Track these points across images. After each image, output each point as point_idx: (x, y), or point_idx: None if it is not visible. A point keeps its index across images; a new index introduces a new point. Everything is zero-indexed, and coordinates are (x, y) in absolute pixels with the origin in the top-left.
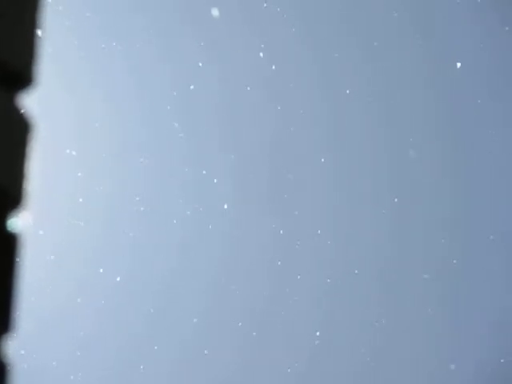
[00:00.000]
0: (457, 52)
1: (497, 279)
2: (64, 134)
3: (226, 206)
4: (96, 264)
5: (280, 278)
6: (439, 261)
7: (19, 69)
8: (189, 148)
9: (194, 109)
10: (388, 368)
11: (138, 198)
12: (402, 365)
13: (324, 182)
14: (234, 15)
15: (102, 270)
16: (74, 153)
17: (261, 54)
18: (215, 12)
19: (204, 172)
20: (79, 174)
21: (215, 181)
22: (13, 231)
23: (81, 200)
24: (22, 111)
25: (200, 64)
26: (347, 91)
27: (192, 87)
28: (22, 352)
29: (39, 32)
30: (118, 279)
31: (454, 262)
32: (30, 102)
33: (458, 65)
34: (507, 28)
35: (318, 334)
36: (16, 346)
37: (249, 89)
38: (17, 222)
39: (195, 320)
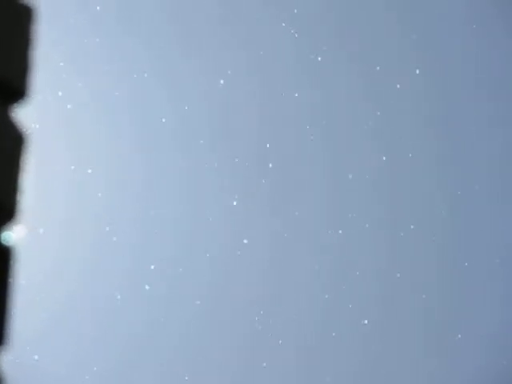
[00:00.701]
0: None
1: (496, 285)
2: (58, 147)
3: (235, 203)
4: (91, 274)
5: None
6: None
7: (13, 82)
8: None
9: (198, 119)
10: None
11: (132, 206)
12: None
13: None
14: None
15: (98, 278)
16: (67, 165)
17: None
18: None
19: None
20: (74, 187)
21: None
22: (6, 244)
23: (76, 210)
24: (16, 124)
25: (222, 81)
26: (327, 98)
27: (186, 107)
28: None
29: (33, 46)
30: (119, 297)
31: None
32: (24, 115)
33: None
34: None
35: (316, 333)
36: (13, 356)
37: (245, 94)
38: (10, 235)
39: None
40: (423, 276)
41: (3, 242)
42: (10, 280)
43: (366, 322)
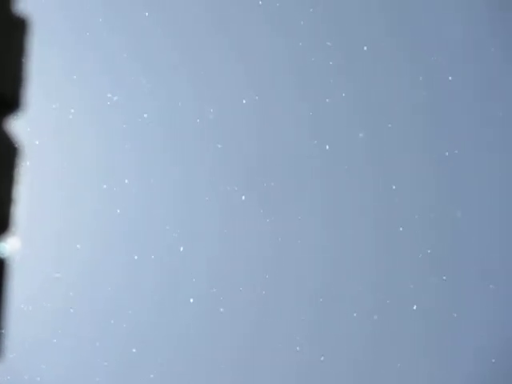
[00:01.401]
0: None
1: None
2: (52, 159)
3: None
4: (87, 284)
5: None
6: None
7: (6, 93)
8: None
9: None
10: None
11: (127, 217)
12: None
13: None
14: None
15: (93, 288)
16: (60, 176)
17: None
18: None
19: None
20: (67, 198)
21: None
22: (0, 256)
23: (69, 223)
24: (10, 135)
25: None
26: (327, 100)
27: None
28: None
29: (26, 57)
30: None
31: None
32: (17, 127)
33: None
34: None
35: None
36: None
37: (244, 102)
38: (4, 247)
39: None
40: (422, 278)
41: None
42: (4, 292)
43: (363, 318)
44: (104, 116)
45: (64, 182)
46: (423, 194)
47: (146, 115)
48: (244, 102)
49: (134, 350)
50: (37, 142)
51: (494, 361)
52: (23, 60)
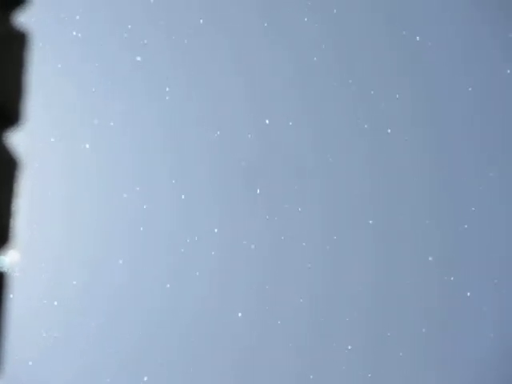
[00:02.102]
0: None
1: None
2: (51, 172)
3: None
4: (84, 298)
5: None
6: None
7: (7, 107)
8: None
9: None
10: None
11: (127, 225)
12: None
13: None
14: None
15: (90, 302)
16: (61, 190)
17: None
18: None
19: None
20: (67, 210)
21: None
22: (0, 269)
23: (69, 236)
24: (10, 149)
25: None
26: (329, 101)
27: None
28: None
29: (27, 71)
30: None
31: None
32: (17, 140)
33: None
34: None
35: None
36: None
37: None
38: (4, 261)
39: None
40: (421, 279)
41: None
42: (4, 304)
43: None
44: (104, 127)
45: (64, 195)
46: (424, 195)
47: (145, 121)
48: (243, 100)
49: (145, 379)
50: (36, 155)
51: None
52: (23, 74)
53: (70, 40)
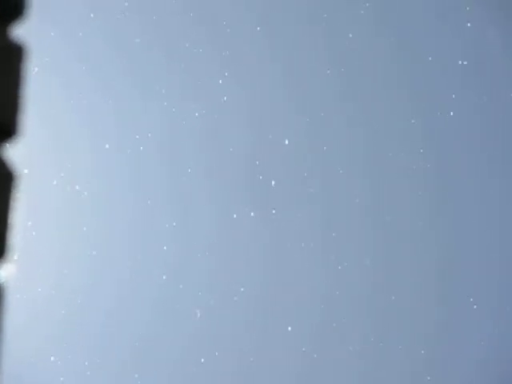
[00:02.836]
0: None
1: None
2: (48, 186)
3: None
4: (81, 308)
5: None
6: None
7: (4, 121)
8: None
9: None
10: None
11: (125, 232)
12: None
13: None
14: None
15: (87, 312)
16: (59, 203)
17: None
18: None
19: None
20: (64, 224)
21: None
22: None
23: (67, 249)
24: (6, 162)
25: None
26: (321, 114)
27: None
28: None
29: (24, 85)
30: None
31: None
32: (14, 153)
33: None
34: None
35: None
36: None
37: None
38: (1, 274)
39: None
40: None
41: None
42: (1, 316)
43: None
44: (101, 140)
45: (61, 208)
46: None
47: (139, 135)
48: (232, 100)
49: (136, 376)
50: (33, 169)
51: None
52: (20, 87)
53: (70, 54)
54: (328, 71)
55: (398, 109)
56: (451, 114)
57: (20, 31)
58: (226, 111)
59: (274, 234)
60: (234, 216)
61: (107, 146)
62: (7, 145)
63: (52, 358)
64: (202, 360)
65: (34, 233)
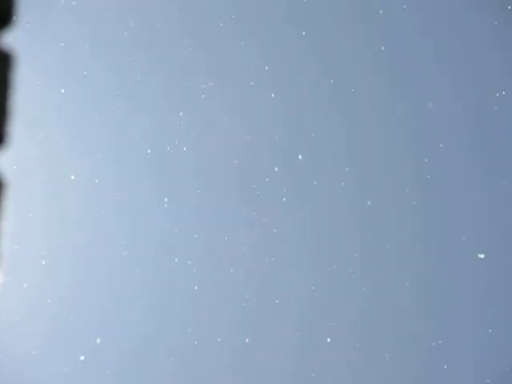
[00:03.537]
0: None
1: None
2: (36, 193)
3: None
4: (67, 317)
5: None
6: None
7: None
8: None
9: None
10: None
11: (109, 248)
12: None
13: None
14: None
15: (72, 320)
16: (46, 211)
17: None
18: None
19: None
20: (51, 233)
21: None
22: None
23: (55, 257)
24: None
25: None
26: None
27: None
28: None
29: (11, 93)
30: (98, 341)
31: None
32: (2, 161)
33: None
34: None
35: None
36: None
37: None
38: None
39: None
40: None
41: None
42: None
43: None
44: (91, 148)
45: (50, 217)
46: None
47: (131, 141)
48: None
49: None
50: (22, 177)
51: (489, 381)
52: (8, 95)
53: (58, 61)
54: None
55: (382, 102)
56: (430, 106)
57: (8, 39)
58: (211, 112)
59: (265, 236)
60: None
61: (99, 155)
62: None
63: (40, 355)
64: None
65: (20, 241)
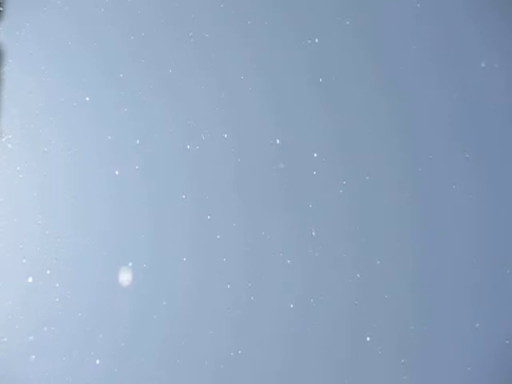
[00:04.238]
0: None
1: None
2: (27, 200)
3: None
4: (47, 322)
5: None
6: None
7: None
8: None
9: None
10: None
11: (107, 236)
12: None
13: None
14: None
15: (52, 329)
16: (39, 221)
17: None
18: None
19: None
20: (44, 239)
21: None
22: None
23: (44, 252)
24: None
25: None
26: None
27: (188, 147)
28: None
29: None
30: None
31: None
32: None
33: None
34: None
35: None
36: None
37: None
38: None
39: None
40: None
41: None
42: None
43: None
44: (82, 150)
45: (40, 220)
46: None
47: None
48: (217, 108)
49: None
50: (10, 174)
51: (469, 369)
52: None
53: (48, 58)
54: (320, 79)
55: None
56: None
57: None
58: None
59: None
60: (208, 217)
61: (88, 159)
62: None
63: (33, 357)
64: (178, 361)
65: (10, 237)
